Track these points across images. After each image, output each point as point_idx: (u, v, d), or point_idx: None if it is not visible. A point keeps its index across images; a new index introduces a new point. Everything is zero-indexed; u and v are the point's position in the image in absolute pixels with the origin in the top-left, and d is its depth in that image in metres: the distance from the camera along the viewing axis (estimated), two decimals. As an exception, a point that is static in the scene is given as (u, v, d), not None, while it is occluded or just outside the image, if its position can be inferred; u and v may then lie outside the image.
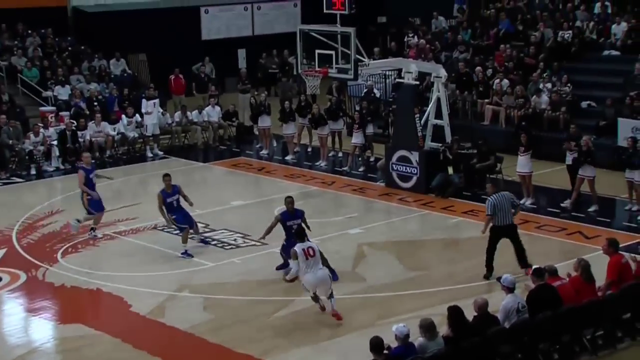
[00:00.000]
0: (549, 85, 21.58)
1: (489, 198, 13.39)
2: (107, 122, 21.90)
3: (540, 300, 10.41)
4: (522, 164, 17.08)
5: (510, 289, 10.35)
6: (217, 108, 23.30)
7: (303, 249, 11.86)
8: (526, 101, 21.21)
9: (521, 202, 16.92)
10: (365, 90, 23.34)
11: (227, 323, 12.22)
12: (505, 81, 22.08)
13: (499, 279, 10.62)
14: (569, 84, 21.43)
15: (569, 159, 16.95)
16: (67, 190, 18.79)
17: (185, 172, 20.41)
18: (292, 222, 13.51)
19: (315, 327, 12.08)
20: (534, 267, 10.98)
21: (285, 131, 21.83)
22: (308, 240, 12.21)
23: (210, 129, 23.11)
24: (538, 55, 22.96)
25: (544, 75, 21.93)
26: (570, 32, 23.18)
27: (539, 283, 10.58)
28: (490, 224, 13.26)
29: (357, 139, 20.33)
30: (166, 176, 15.06)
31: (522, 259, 13.25)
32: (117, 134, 21.90)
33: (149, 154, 22.17)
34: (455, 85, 22.71)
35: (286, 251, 13.08)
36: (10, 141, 20.32)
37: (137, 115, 22.14)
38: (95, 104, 22.62)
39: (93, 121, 21.77)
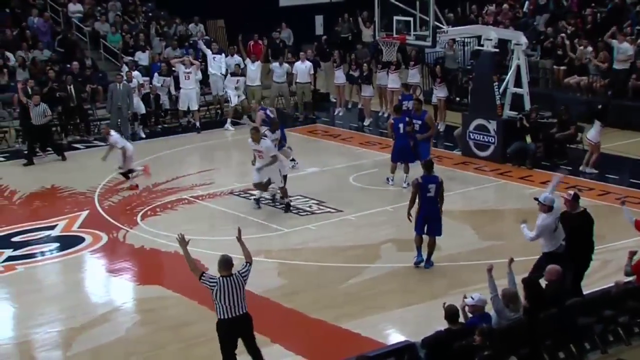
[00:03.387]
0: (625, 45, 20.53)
1: None
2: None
3: (569, 222, 10.69)
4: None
5: (549, 207, 10.57)
6: (308, 63, 22.37)
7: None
8: (610, 68, 20.53)
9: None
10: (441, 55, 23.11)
11: (300, 288, 12.32)
12: (589, 48, 21.37)
13: (536, 199, 10.78)
14: None
15: None
16: (149, 154, 19.17)
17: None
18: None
19: (387, 295, 12.09)
20: (573, 192, 11.03)
21: (364, 93, 21.76)
22: None
23: (288, 95, 22.91)
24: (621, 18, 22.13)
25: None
26: None
27: (578, 209, 10.78)
28: None
29: (442, 92, 20.43)
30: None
31: None
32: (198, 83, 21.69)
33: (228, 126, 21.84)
34: (538, 52, 22.15)
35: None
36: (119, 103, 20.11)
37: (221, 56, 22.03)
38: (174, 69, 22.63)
39: (183, 64, 21.39)
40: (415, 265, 12.82)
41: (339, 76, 22.61)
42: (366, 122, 21.60)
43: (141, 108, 20.97)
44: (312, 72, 22.48)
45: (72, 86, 20.46)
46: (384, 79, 21.80)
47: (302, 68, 22.37)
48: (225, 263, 9.40)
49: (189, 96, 21.29)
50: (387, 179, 16.67)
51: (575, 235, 10.80)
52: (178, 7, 26.65)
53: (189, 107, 21.45)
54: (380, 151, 19.12)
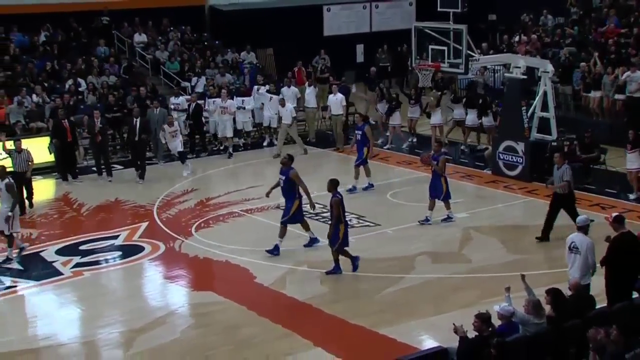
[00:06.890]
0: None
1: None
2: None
3: (622, 245, 10.27)
4: (630, 160, 16.44)
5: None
6: (340, 95, 21.35)
7: None
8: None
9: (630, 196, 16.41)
10: (470, 82, 22.97)
11: (341, 296, 12.37)
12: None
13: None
14: None
15: None
16: (198, 172, 19.50)
17: (304, 158, 20.68)
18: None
19: (421, 303, 12.10)
20: (614, 214, 10.79)
21: (413, 115, 21.55)
22: None
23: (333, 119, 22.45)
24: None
25: None
26: None
27: (622, 230, 10.42)
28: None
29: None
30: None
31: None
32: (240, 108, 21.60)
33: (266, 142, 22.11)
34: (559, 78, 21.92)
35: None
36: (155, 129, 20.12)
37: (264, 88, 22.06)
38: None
39: (220, 97, 21.25)
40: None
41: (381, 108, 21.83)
42: (405, 145, 21.44)
43: (228, 129, 21.08)
44: (344, 103, 21.46)
45: (138, 119, 18.97)
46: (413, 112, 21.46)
47: (334, 100, 21.26)
48: None
49: (224, 124, 21.12)
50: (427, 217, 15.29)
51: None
52: (231, 37, 27.01)
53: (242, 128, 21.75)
54: (415, 170, 19.13)
